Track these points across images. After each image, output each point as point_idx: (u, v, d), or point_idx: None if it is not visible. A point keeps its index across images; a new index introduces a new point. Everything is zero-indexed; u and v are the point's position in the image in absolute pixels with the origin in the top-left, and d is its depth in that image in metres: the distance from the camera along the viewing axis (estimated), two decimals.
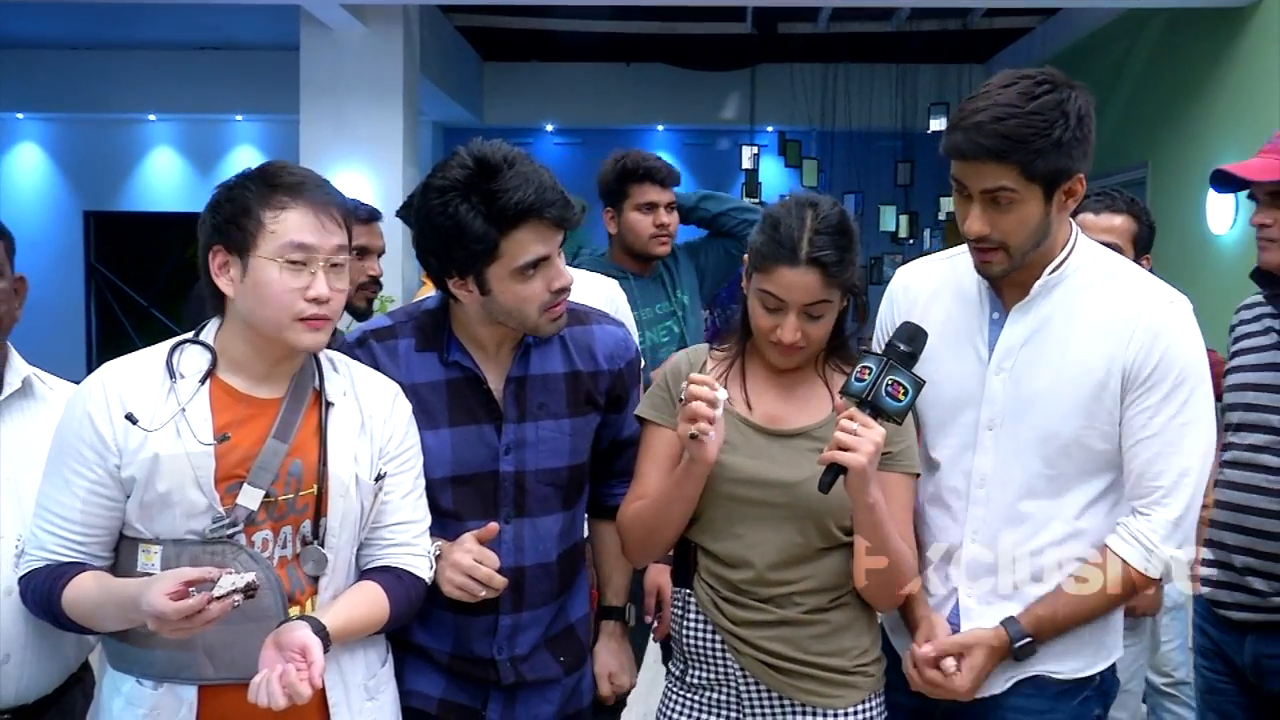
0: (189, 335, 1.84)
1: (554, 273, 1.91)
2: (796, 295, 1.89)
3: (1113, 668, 2.02)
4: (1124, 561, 1.88)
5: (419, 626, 2.00)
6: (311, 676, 1.62)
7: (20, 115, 10.62)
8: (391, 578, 1.86)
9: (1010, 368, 1.94)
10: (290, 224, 1.73)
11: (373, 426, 1.86)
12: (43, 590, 1.76)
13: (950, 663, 1.90)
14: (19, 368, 2.06)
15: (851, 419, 1.80)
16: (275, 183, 1.75)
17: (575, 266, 3.49)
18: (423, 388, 1.98)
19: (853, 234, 1.94)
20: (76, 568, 1.76)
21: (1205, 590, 2.38)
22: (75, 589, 1.73)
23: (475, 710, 2.06)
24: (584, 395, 2.07)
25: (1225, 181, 2.38)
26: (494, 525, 1.92)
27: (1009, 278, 1.93)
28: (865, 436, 1.78)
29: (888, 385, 1.81)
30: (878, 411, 1.82)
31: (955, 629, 1.97)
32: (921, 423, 2.05)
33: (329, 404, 1.84)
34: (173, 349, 1.81)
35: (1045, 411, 1.90)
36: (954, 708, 1.97)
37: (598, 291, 2.82)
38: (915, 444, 2.00)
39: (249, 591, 1.61)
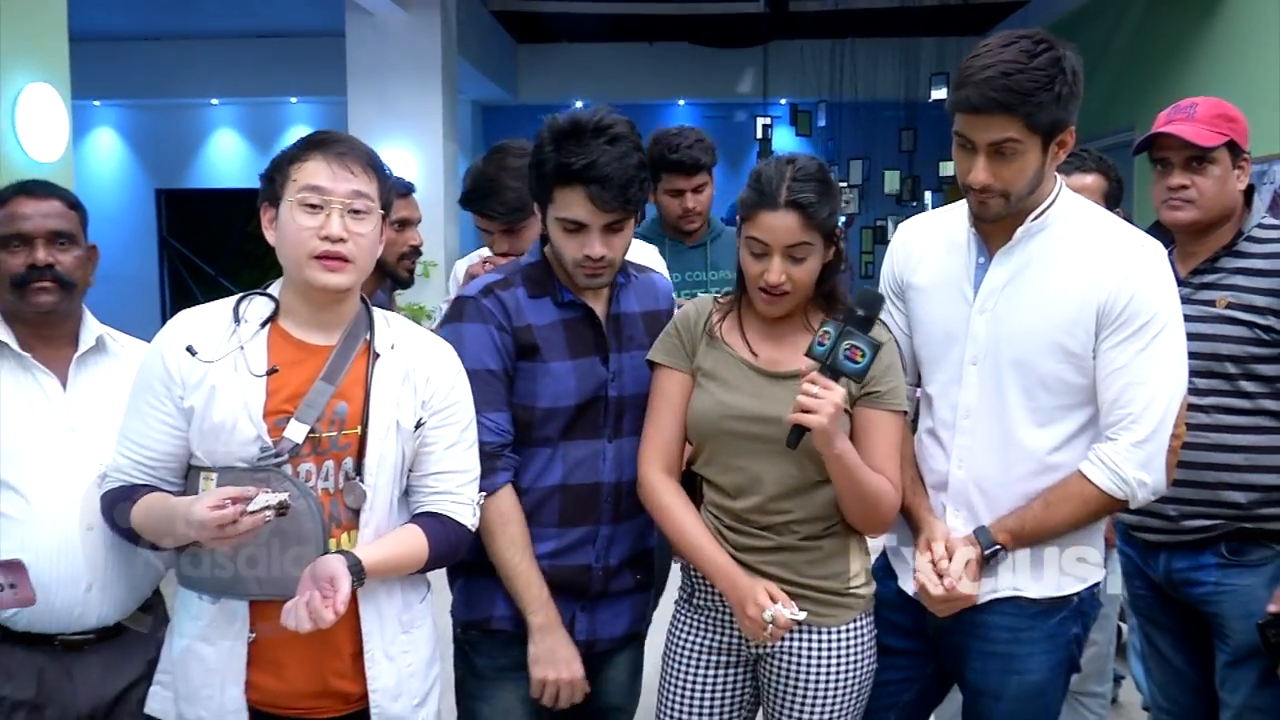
0: (258, 289, 1.88)
1: (588, 240, 1.95)
2: (779, 237, 1.91)
3: (1093, 590, 2.01)
4: (1090, 482, 1.88)
5: None
6: (335, 604, 1.65)
7: (97, 102, 10.66)
8: (434, 522, 1.88)
9: (993, 308, 1.93)
10: (306, 170, 1.77)
11: (416, 379, 1.88)
12: (111, 506, 1.84)
13: (945, 563, 1.93)
14: (93, 327, 2.11)
15: (814, 382, 1.82)
16: (305, 141, 1.82)
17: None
18: (543, 328, 2.03)
19: (830, 182, 1.95)
20: (147, 489, 1.82)
21: (1125, 516, 2.41)
22: (140, 506, 1.79)
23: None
24: (655, 329, 2.15)
25: (1143, 145, 2.39)
26: None
27: (996, 224, 1.92)
28: (825, 398, 1.80)
29: (845, 349, 1.82)
30: (838, 373, 1.83)
31: None
32: (918, 360, 2.05)
33: (376, 354, 1.86)
34: (241, 298, 1.86)
35: (1024, 347, 1.90)
36: (943, 625, 1.99)
37: (639, 259, 2.81)
38: (903, 384, 2.00)
39: (281, 509, 1.64)
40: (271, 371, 1.77)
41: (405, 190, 2.97)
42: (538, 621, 1.99)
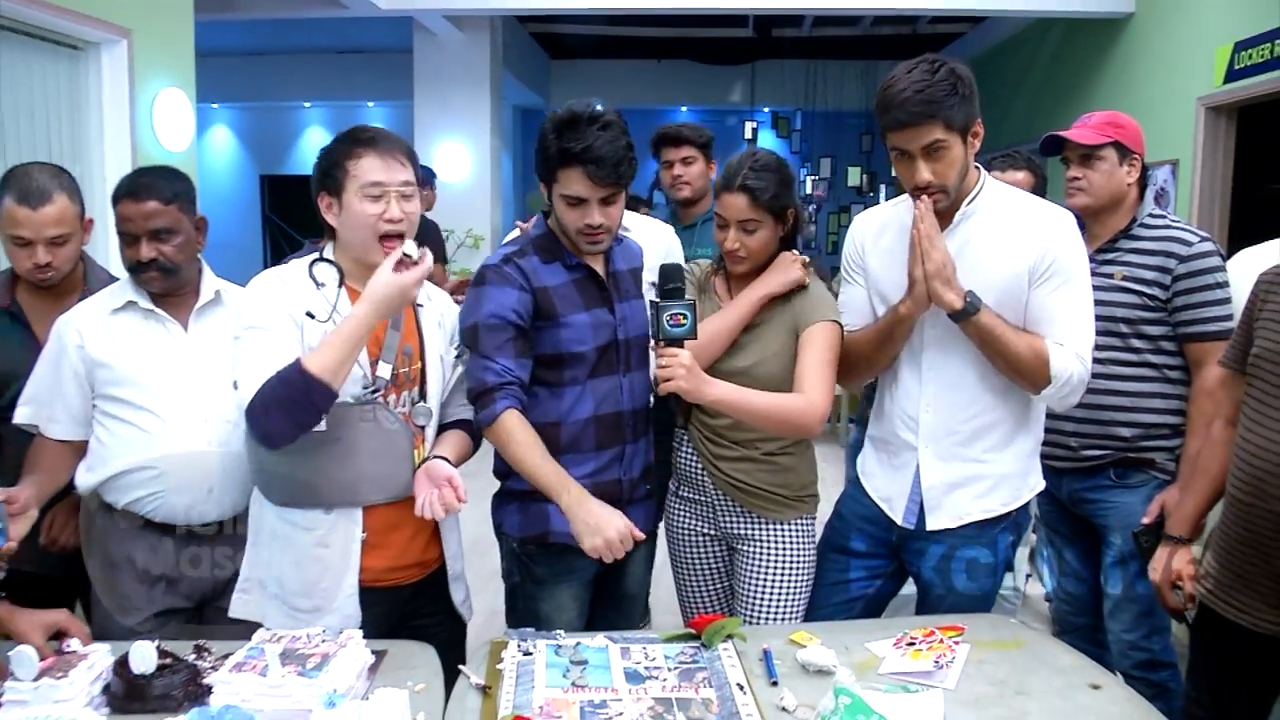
0: (318, 255, 1.84)
1: (587, 212, 1.87)
2: (731, 213, 1.96)
3: (1026, 506, 2.00)
4: (1045, 346, 1.84)
5: (569, 466, 1.91)
6: (460, 494, 1.75)
7: (215, 105, 10.60)
8: (468, 425, 1.95)
9: None
10: (364, 167, 1.74)
11: (444, 321, 1.94)
12: (283, 376, 1.65)
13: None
14: (211, 282, 2.11)
15: (660, 355, 1.78)
16: (354, 139, 1.78)
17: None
18: (559, 287, 1.95)
19: (782, 174, 1.96)
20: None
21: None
22: (311, 355, 1.67)
23: None
24: (639, 283, 2.13)
25: (1049, 146, 2.37)
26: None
27: (937, 212, 1.91)
28: (673, 364, 1.77)
29: (668, 319, 1.77)
30: (673, 340, 1.77)
31: (917, 484, 1.97)
32: (880, 313, 2.02)
33: (419, 305, 1.89)
34: (311, 264, 1.82)
35: None
36: (904, 534, 2.00)
37: (656, 238, 2.69)
38: (831, 308, 1.98)
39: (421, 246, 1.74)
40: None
41: (426, 180, 2.87)
42: (566, 500, 1.81)
